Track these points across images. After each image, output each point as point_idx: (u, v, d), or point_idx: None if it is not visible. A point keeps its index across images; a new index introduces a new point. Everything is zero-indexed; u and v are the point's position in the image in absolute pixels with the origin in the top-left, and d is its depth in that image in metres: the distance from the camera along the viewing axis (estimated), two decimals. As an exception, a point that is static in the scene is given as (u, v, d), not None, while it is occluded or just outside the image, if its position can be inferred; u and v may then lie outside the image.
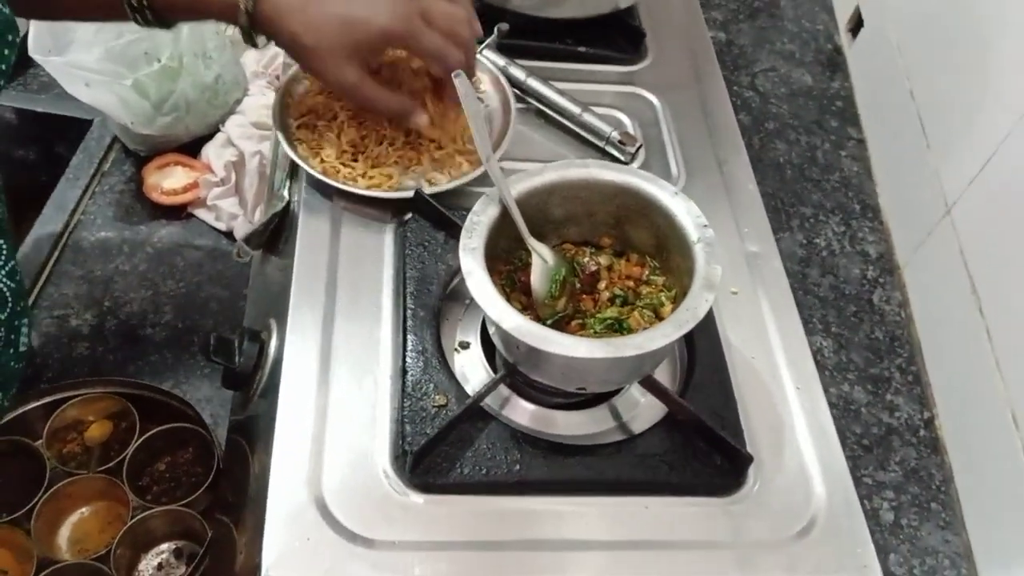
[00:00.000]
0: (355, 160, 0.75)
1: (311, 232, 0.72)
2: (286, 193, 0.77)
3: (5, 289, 0.67)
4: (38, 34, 0.84)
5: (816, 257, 1.03)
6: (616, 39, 0.92)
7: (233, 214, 0.92)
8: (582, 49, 0.90)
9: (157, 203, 0.93)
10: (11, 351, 0.70)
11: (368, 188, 0.72)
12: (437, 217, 0.72)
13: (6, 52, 0.61)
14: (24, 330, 0.72)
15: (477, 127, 0.65)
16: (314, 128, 0.77)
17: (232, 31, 1.11)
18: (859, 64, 1.25)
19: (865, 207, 1.09)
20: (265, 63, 1.05)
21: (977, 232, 0.89)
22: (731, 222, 0.80)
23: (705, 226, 0.62)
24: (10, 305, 0.68)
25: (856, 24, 1.28)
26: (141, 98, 0.89)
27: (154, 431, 0.72)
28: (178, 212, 0.94)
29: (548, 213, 0.67)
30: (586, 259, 0.68)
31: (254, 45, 0.69)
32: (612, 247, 0.69)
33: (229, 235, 0.93)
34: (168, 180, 0.94)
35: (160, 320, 0.86)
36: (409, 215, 0.73)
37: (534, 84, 0.83)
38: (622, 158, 0.80)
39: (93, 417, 0.75)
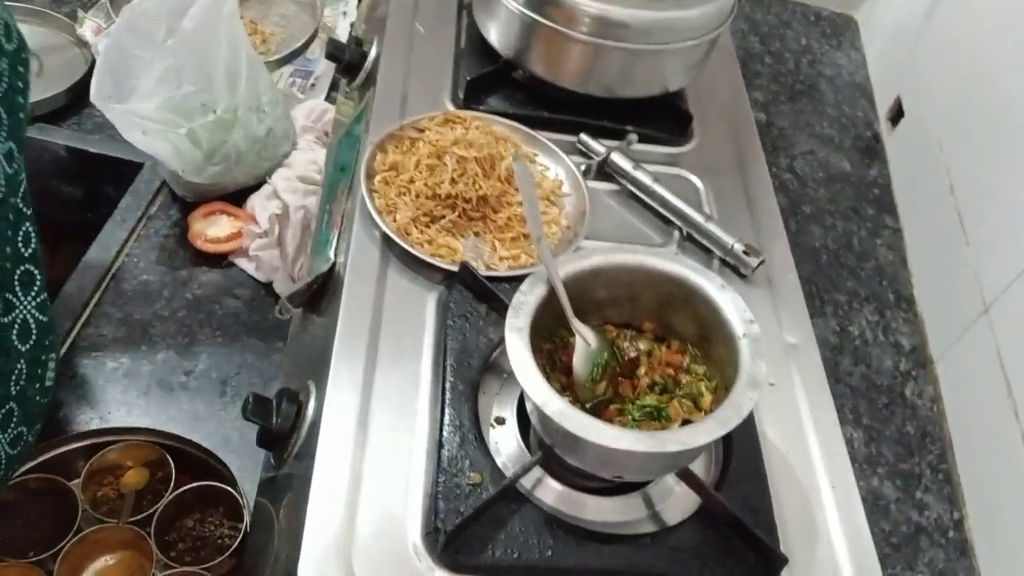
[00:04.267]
0: (427, 226, 0.76)
1: (356, 295, 0.72)
2: (332, 254, 0.78)
3: (32, 321, 0.68)
4: (100, 81, 0.86)
5: (849, 345, 1.03)
6: (663, 120, 0.93)
7: (274, 267, 0.93)
8: (629, 128, 0.91)
9: (200, 250, 0.94)
10: (37, 385, 0.71)
11: (432, 256, 0.74)
12: (481, 290, 0.72)
13: (22, 70, 0.62)
14: (51, 365, 0.73)
15: (530, 209, 0.66)
16: (392, 184, 0.78)
17: (287, 86, 1.14)
18: (898, 153, 1.26)
19: (900, 297, 1.09)
20: (314, 118, 1.07)
21: (1015, 335, 0.89)
22: (770, 311, 0.80)
23: (751, 321, 0.62)
24: (34, 338, 0.68)
25: (896, 113, 1.29)
26: (194, 147, 0.91)
27: (187, 488, 0.72)
28: (220, 260, 0.95)
29: (592, 294, 0.67)
30: (627, 344, 0.68)
31: None
32: (653, 332, 0.69)
33: (268, 286, 0.94)
34: (212, 228, 0.95)
35: (195, 368, 0.87)
36: (453, 283, 0.74)
37: (659, 190, 0.84)
38: (741, 271, 0.81)
39: (131, 463, 0.76)
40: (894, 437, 0.95)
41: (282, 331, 0.91)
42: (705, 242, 0.82)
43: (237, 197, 0.99)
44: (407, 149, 0.82)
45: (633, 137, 0.90)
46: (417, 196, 0.78)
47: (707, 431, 0.56)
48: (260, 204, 0.96)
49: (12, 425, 0.69)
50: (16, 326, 0.67)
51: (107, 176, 1.03)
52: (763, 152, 0.95)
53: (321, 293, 0.78)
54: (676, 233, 0.84)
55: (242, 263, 0.95)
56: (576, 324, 0.64)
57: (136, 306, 0.91)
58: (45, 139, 1.05)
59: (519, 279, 0.72)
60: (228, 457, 0.78)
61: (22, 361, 0.68)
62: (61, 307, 0.89)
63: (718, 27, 0.89)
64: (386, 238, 0.75)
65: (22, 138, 0.63)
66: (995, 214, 0.97)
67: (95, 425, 0.81)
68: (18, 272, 0.66)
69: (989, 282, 0.94)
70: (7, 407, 0.67)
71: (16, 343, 0.67)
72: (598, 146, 0.88)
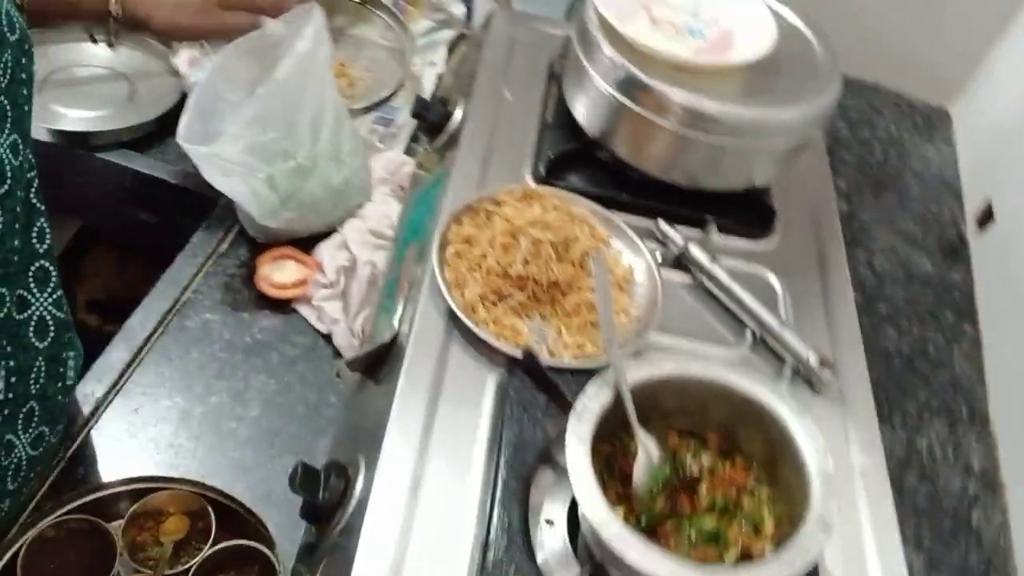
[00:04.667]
0: (495, 304, 0.75)
1: (416, 370, 0.71)
2: (396, 323, 0.77)
3: (49, 318, 0.68)
4: (189, 122, 0.87)
5: (916, 460, 0.98)
6: (745, 213, 0.90)
7: (335, 319, 0.93)
8: (709, 218, 0.89)
9: (264, 293, 0.94)
10: (58, 384, 0.71)
11: (496, 337, 0.72)
12: (542, 380, 0.70)
13: (25, 61, 0.62)
14: (71, 363, 0.73)
15: (604, 312, 0.65)
16: (464, 258, 0.77)
17: (368, 133, 1.14)
18: (984, 259, 1.21)
19: (973, 413, 1.04)
20: (392, 170, 1.06)
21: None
22: (840, 427, 0.77)
23: (825, 454, 0.59)
24: (52, 334, 0.68)
25: (985, 216, 1.24)
26: (271, 192, 0.91)
27: (225, 545, 0.71)
28: (282, 305, 0.95)
29: (659, 401, 0.65)
30: (690, 457, 0.65)
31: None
32: (719, 445, 0.67)
33: (327, 337, 0.93)
34: (279, 273, 0.95)
35: (246, 415, 0.86)
36: (515, 370, 0.72)
37: (735, 289, 0.82)
38: (813, 383, 0.78)
39: (173, 510, 0.75)
40: (957, 565, 0.90)
41: (336, 386, 0.91)
42: (778, 348, 0.79)
43: (307, 242, 0.98)
44: (482, 223, 0.81)
45: (713, 229, 0.87)
46: (488, 273, 0.77)
47: (770, 574, 0.53)
48: (329, 253, 0.96)
49: (33, 425, 0.69)
50: (32, 323, 0.67)
51: (183, 207, 1.04)
52: (845, 254, 0.92)
53: (381, 360, 0.77)
54: (749, 335, 0.81)
55: (304, 311, 0.95)
56: (641, 435, 0.62)
57: (196, 345, 0.91)
58: (126, 164, 1.07)
59: (582, 372, 0.71)
60: (269, 511, 0.76)
61: (40, 359, 0.68)
62: (124, 339, 0.90)
63: (813, 128, 0.87)
64: (452, 313, 0.74)
65: (27, 131, 0.63)
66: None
67: (142, 465, 0.81)
68: (32, 268, 0.67)
69: (1075, 416, 0.90)
70: (28, 406, 0.67)
71: (33, 340, 0.67)
72: (676, 235, 0.86)
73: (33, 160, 0.64)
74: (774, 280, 0.87)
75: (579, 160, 0.91)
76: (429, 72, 1.25)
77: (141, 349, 0.89)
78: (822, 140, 1.02)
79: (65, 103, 1.08)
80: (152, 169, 1.06)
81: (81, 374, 0.81)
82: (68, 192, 1.14)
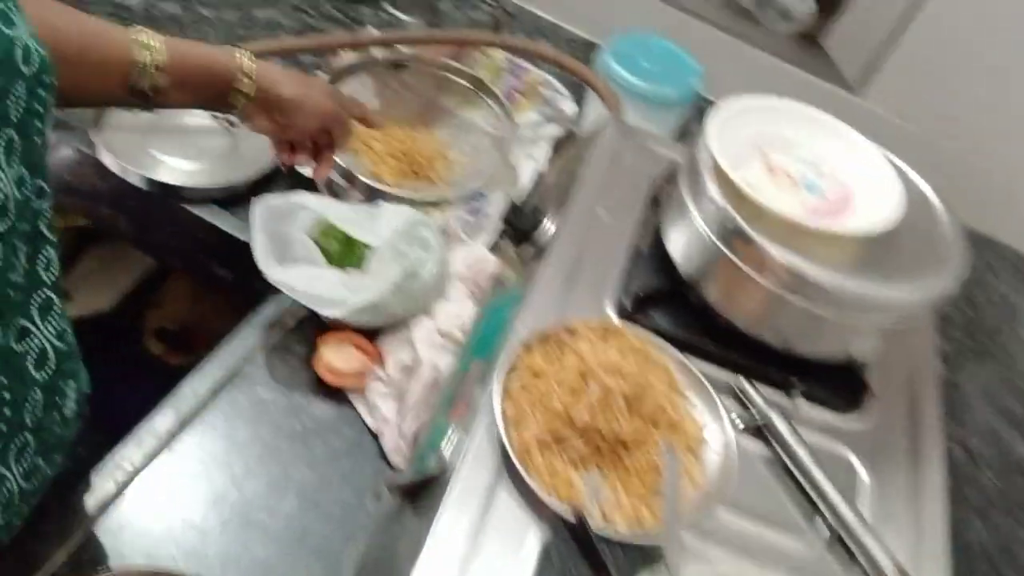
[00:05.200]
0: (550, 449, 0.70)
1: (457, 509, 0.67)
2: (446, 451, 0.73)
3: (49, 349, 0.65)
4: (265, 252, 0.88)
5: None
6: (834, 383, 0.84)
7: (386, 418, 0.89)
8: (794, 381, 0.82)
9: (320, 377, 0.91)
10: (56, 415, 0.68)
11: (549, 490, 0.67)
12: (590, 552, 0.65)
13: (43, 93, 0.60)
14: (71, 394, 0.70)
15: (669, 507, 0.59)
16: (528, 391, 0.73)
17: (454, 221, 1.12)
18: (1092, 461, 1.10)
19: (1057, 636, 0.94)
20: (473, 266, 1.03)
21: None
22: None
23: None
24: (53, 365, 0.65)
25: (1100, 412, 1.14)
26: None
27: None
28: (336, 392, 0.92)
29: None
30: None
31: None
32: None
33: (375, 435, 0.90)
34: (340, 359, 0.92)
35: (280, 508, 0.83)
36: (562, 533, 0.67)
37: (816, 474, 0.75)
38: None
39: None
40: None
41: (375, 488, 0.87)
42: (856, 552, 0.72)
43: (373, 329, 0.96)
44: (554, 355, 0.77)
45: (798, 395, 0.81)
46: (551, 414, 0.72)
47: None
48: (393, 349, 0.93)
49: (27, 457, 0.66)
50: (32, 353, 0.64)
51: (258, 271, 1.03)
52: (944, 449, 0.84)
53: (426, 487, 0.73)
54: (824, 528, 0.74)
55: (357, 403, 0.92)
56: (686, 650, 0.56)
57: (243, 422, 0.88)
58: (212, 221, 1.06)
59: (635, 548, 0.66)
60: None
61: (37, 389, 0.65)
62: (173, 405, 0.88)
63: (925, 311, 0.80)
64: (505, 453, 0.70)
65: (39, 163, 0.61)
66: None
67: (164, 547, 0.78)
68: (36, 298, 0.64)
69: None
70: (21, 437, 0.64)
71: (31, 370, 0.64)
72: (759, 399, 0.80)
73: (47, 189, 0.62)
74: (859, 465, 0.79)
75: (667, 300, 0.86)
76: (528, 166, 1.22)
77: (187, 419, 0.87)
78: (932, 318, 0.94)
79: (165, 150, 1.09)
80: (234, 229, 1.05)
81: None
82: (155, 237, 1.15)
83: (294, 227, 0.93)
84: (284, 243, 0.92)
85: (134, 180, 1.07)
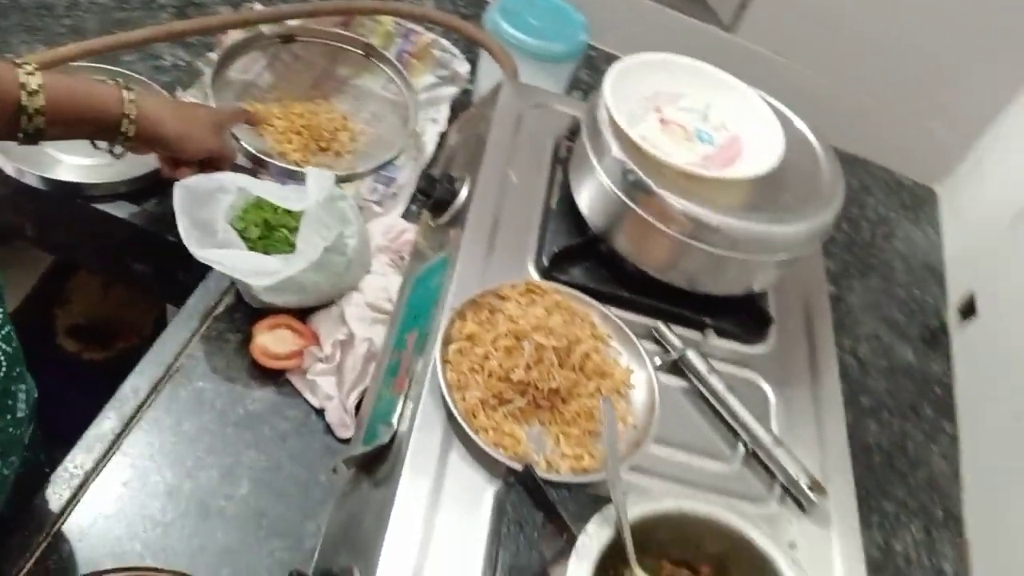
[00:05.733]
0: (495, 409, 0.75)
1: (415, 476, 0.72)
2: (395, 421, 0.77)
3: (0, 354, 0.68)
4: (188, 229, 0.88)
5: (891, 564, 1.00)
6: (742, 318, 0.92)
7: (329, 395, 0.92)
8: (707, 321, 0.90)
9: (258, 363, 0.94)
10: (8, 416, 0.70)
11: (496, 446, 0.73)
12: (540, 498, 0.71)
13: None
14: (22, 396, 0.73)
15: (611, 452, 0.65)
16: (466, 356, 0.78)
17: (368, 192, 1.14)
18: (965, 354, 1.24)
19: (948, 515, 1.07)
20: (392, 237, 1.06)
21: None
22: (826, 548, 0.78)
23: (816, 606, 0.61)
24: (4, 369, 0.68)
25: (968, 308, 1.27)
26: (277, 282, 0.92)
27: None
28: (276, 375, 0.95)
29: (656, 533, 0.66)
30: (682, 590, 0.66)
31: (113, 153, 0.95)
32: (709, 577, 0.68)
33: (320, 412, 0.93)
34: (275, 343, 0.94)
35: (235, 493, 0.86)
36: (513, 484, 0.72)
37: (730, 400, 0.83)
38: (802, 504, 0.79)
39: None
40: (925, 674, 0.93)
41: (325, 463, 0.91)
42: (771, 466, 0.80)
43: (304, 309, 0.98)
44: (486, 320, 0.81)
45: (711, 334, 0.89)
46: (490, 375, 0.77)
47: None
48: (326, 328, 0.96)
49: None
50: None
51: (178, 262, 1.03)
52: (837, 364, 0.93)
53: (379, 459, 0.77)
54: (742, 448, 0.82)
55: (297, 382, 0.95)
56: (638, 573, 0.63)
57: (188, 415, 0.90)
58: (122, 216, 1.06)
59: (580, 486, 0.72)
60: (255, 600, 0.76)
61: None
62: (117, 407, 0.89)
63: (815, 243, 0.88)
64: (452, 416, 0.75)
65: None
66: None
67: (130, 545, 0.81)
68: None
69: (1046, 533, 0.92)
70: None
71: None
72: (675, 340, 0.87)
73: None
74: (767, 388, 0.88)
75: (582, 253, 0.92)
76: (431, 129, 1.25)
77: (132, 418, 0.88)
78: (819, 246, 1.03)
79: (63, 148, 1.07)
80: (148, 223, 1.05)
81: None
82: (62, 237, 1.13)
83: (214, 212, 0.94)
84: (205, 229, 0.92)
85: (32, 181, 1.04)
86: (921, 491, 1.08)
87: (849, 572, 0.76)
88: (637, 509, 0.64)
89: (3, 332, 0.69)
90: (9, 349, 0.69)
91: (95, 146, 0.96)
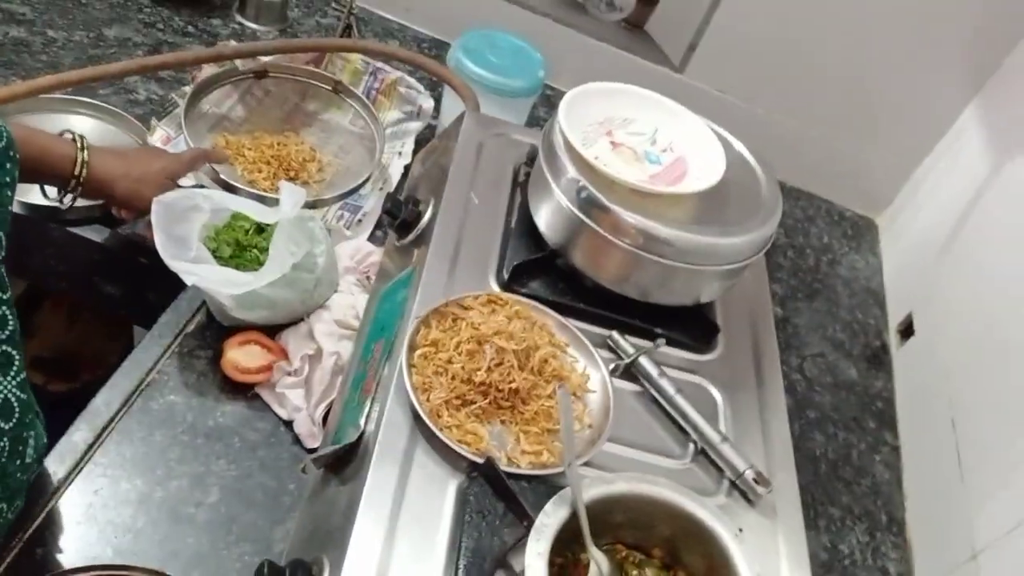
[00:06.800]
0: (458, 409, 0.79)
1: (382, 473, 0.75)
2: (362, 422, 0.81)
3: (14, 400, 0.71)
4: (164, 242, 0.92)
5: (838, 565, 1.05)
6: (691, 328, 0.97)
7: (297, 407, 0.96)
8: (659, 331, 0.95)
9: (228, 377, 0.97)
10: (17, 462, 0.73)
11: (458, 443, 0.76)
12: (501, 488, 0.75)
13: (8, 166, 0.69)
14: (31, 442, 0.75)
15: (567, 438, 0.70)
16: (430, 361, 0.82)
17: (335, 220, 1.18)
18: (904, 371, 1.30)
19: (892, 520, 1.12)
20: (359, 259, 1.11)
21: (1002, 593, 0.91)
22: (771, 539, 0.82)
23: (759, 578, 0.65)
24: (17, 416, 0.71)
25: (907, 328, 1.34)
26: (249, 298, 0.95)
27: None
28: (246, 389, 0.98)
29: (610, 516, 0.70)
30: (634, 571, 0.70)
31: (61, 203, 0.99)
32: (662, 559, 0.72)
33: (288, 424, 0.96)
34: (245, 358, 0.98)
35: (205, 500, 0.88)
36: (475, 477, 0.76)
37: (680, 402, 0.88)
38: (748, 497, 0.83)
39: (127, 596, 0.77)
40: (871, 670, 0.97)
41: (294, 474, 0.93)
42: (719, 462, 0.85)
43: (272, 326, 1.02)
44: (449, 327, 0.86)
45: (661, 342, 0.94)
46: (453, 378, 0.82)
47: None
48: (294, 343, 1.00)
49: None
50: None
51: (150, 283, 1.07)
52: (780, 371, 0.99)
53: (347, 458, 0.81)
54: (692, 447, 0.87)
55: (266, 395, 0.98)
56: (593, 552, 0.67)
57: (159, 427, 0.93)
58: (94, 239, 1.09)
59: (539, 479, 0.76)
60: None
61: (4, 439, 0.70)
62: (88, 420, 0.91)
63: (757, 253, 0.94)
64: (417, 417, 0.78)
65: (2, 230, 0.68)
66: (994, 462, 1.01)
67: (101, 549, 0.82)
68: None
69: (981, 529, 0.97)
70: None
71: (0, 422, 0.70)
72: (628, 346, 0.92)
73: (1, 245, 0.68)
74: (715, 392, 0.93)
75: (541, 268, 0.97)
76: (397, 162, 1.30)
77: (104, 430, 0.90)
78: (763, 258, 1.10)
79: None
80: (119, 247, 1.08)
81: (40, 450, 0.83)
82: (35, 261, 1.15)
83: (189, 231, 0.98)
84: (180, 245, 0.96)
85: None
86: (865, 497, 1.13)
87: (793, 557, 0.81)
88: (593, 491, 0.68)
89: (18, 379, 0.72)
90: (24, 396, 0.72)
91: (44, 192, 1.02)
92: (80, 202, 1.01)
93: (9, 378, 0.71)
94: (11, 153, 0.69)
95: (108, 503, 0.86)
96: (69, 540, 0.83)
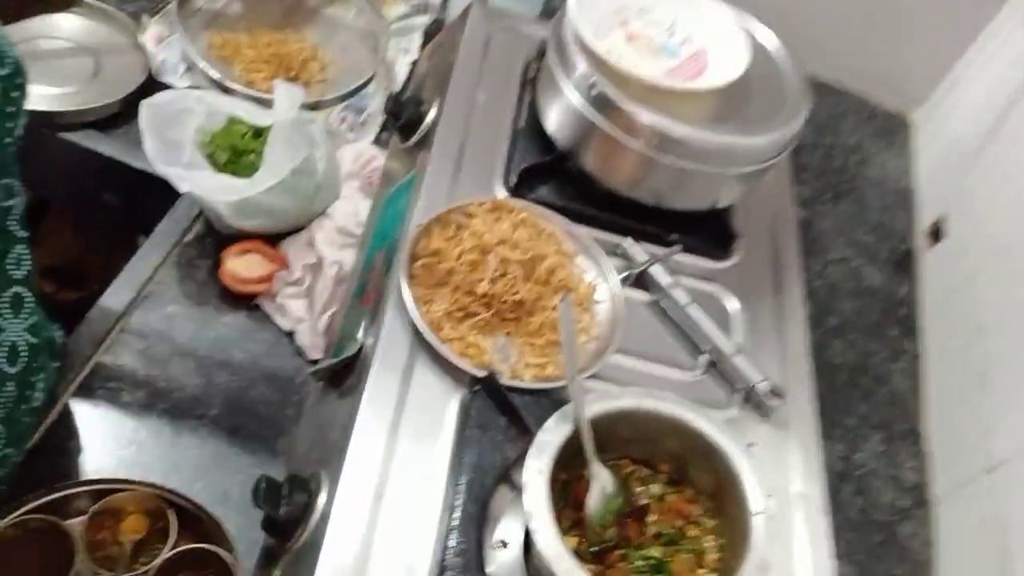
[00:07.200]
0: (460, 321, 0.76)
1: (380, 386, 0.73)
2: (361, 336, 0.78)
3: (23, 344, 0.69)
4: (156, 146, 0.87)
5: (852, 474, 1.03)
6: (708, 234, 0.93)
7: (299, 317, 0.93)
8: (673, 237, 0.91)
9: (228, 287, 0.94)
10: (23, 406, 0.72)
11: (460, 356, 0.74)
12: (503, 403, 0.73)
13: (15, 95, 0.64)
14: (40, 385, 0.74)
15: (569, 352, 0.66)
16: (431, 272, 0.78)
17: (337, 121, 1.13)
18: (932, 276, 1.25)
19: (909, 430, 1.09)
20: (362, 163, 1.06)
21: (1018, 503, 0.88)
22: (783, 452, 0.80)
23: (768, 496, 0.63)
24: (25, 360, 0.69)
25: (936, 232, 1.28)
26: (246, 205, 0.92)
27: (185, 548, 0.73)
28: (247, 300, 0.95)
29: (615, 432, 0.68)
30: (640, 487, 0.68)
31: None
32: (669, 474, 0.70)
33: (290, 335, 0.94)
34: (245, 267, 0.95)
35: (208, 413, 0.87)
36: (477, 391, 0.74)
37: (693, 311, 0.84)
38: (761, 409, 0.80)
39: (132, 509, 0.76)
40: (883, 578, 0.96)
41: (296, 385, 0.92)
42: (731, 374, 0.82)
43: (273, 235, 0.98)
44: (452, 236, 0.82)
45: (676, 249, 0.90)
46: (455, 290, 0.78)
47: (710, 614, 0.57)
48: (295, 251, 0.96)
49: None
50: (4, 349, 0.67)
51: (148, 190, 1.03)
52: (801, 279, 0.94)
53: (346, 371, 0.79)
54: (703, 359, 0.84)
55: (268, 308, 0.95)
56: (596, 468, 0.64)
57: (158, 339, 0.91)
58: (90, 146, 1.05)
59: (543, 392, 0.74)
60: (228, 512, 0.78)
61: (11, 383, 0.69)
62: (85, 331, 0.89)
63: (779, 154, 0.89)
64: (417, 329, 0.76)
65: (8, 165, 0.64)
66: (1017, 373, 0.97)
67: (104, 461, 0.82)
68: (7, 295, 0.67)
69: (1000, 441, 0.94)
70: None
71: (5, 366, 0.68)
72: (640, 254, 0.88)
73: (16, 187, 0.64)
74: (731, 301, 0.89)
75: (549, 172, 0.92)
76: (402, 59, 1.24)
77: (102, 342, 0.89)
78: (787, 159, 1.04)
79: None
80: (117, 152, 1.04)
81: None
82: (30, 169, 1.12)
83: (182, 134, 0.93)
84: (173, 150, 0.92)
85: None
86: (883, 406, 1.10)
87: (806, 472, 0.79)
88: (597, 407, 0.65)
89: (29, 322, 0.69)
90: (35, 340, 0.70)
91: None
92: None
93: (19, 320, 0.69)
94: (17, 81, 0.64)
95: (110, 416, 0.85)
96: (71, 453, 0.82)
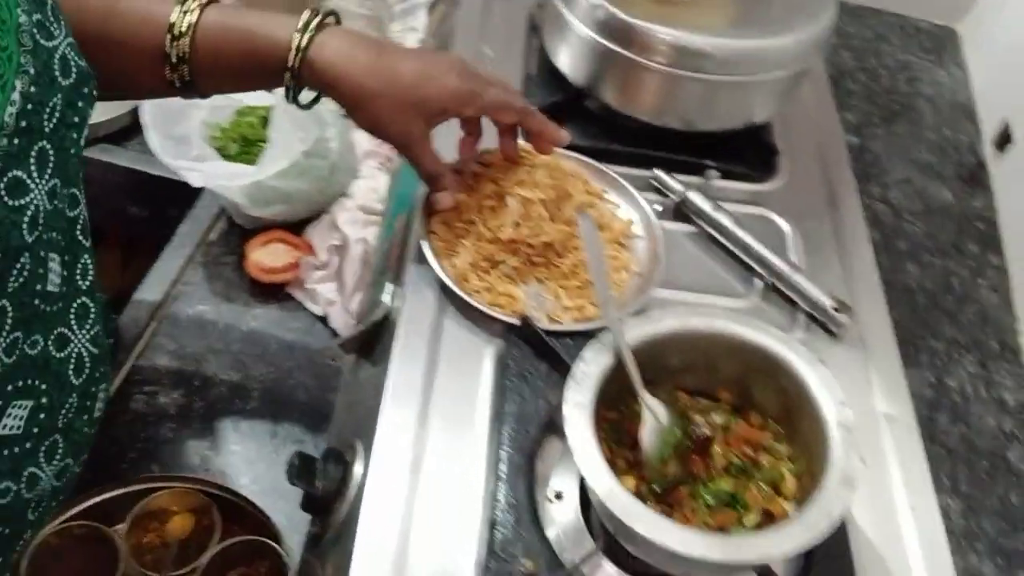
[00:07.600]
0: (487, 272, 0.71)
1: (409, 347, 0.68)
2: (387, 299, 0.74)
3: (86, 355, 0.66)
4: (163, 142, 0.85)
5: (946, 401, 0.94)
6: (746, 154, 0.86)
7: (330, 300, 0.90)
8: (709, 163, 0.84)
9: (256, 280, 0.91)
10: (84, 417, 0.69)
11: (490, 306, 0.69)
12: (542, 347, 0.67)
13: (80, 104, 0.59)
14: (101, 395, 0.71)
15: (596, 270, 0.61)
16: (451, 227, 0.74)
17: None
18: (1006, 184, 1.15)
19: (1004, 347, 1.00)
20: (378, 141, 1.03)
21: None
22: (862, 374, 0.73)
23: (844, 404, 0.56)
24: (88, 371, 0.66)
25: (1004, 138, 1.19)
26: (261, 192, 0.89)
27: (232, 542, 0.69)
28: (276, 290, 0.92)
29: (664, 360, 0.62)
30: (701, 418, 0.62)
31: (297, 103, 0.69)
32: (731, 402, 0.63)
33: (323, 320, 0.91)
34: (270, 257, 0.92)
35: (246, 407, 0.84)
36: (512, 339, 0.68)
37: (741, 235, 0.77)
38: (830, 328, 0.73)
39: (177, 508, 0.73)
40: (995, 509, 0.86)
41: (333, 368, 0.88)
42: (791, 295, 0.75)
43: (296, 224, 0.95)
44: (469, 186, 0.77)
45: (714, 174, 0.83)
46: (478, 239, 0.73)
47: (792, 539, 0.50)
48: (319, 235, 0.93)
49: (58, 457, 0.67)
50: (72, 360, 0.64)
51: (169, 197, 1.02)
52: (857, 189, 0.87)
53: (375, 339, 0.74)
54: (759, 283, 0.77)
55: (298, 294, 0.92)
56: (646, 398, 0.58)
57: (190, 338, 0.88)
58: (109, 160, 1.04)
59: (584, 334, 0.68)
60: (277, 504, 0.74)
61: (75, 395, 0.66)
62: (117, 338, 0.87)
63: (810, 55, 0.81)
64: (443, 285, 0.71)
65: (72, 175, 0.60)
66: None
67: (144, 465, 0.79)
68: (74, 306, 0.64)
69: (1111, 340, 0.85)
70: (51, 439, 0.65)
71: (72, 377, 0.65)
72: (675, 184, 0.82)
73: (80, 197, 0.61)
74: (782, 223, 0.82)
75: (567, 112, 0.86)
76: (411, 38, 1.20)
77: (133, 348, 0.86)
78: (823, 68, 0.97)
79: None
80: (131, 162, 1.03)
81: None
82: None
83: (188, 129, 0.91)
84: (181, 144, 0.89)
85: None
86: (972, 326, 1.01)
87: (891, 392, 0.71)
88: (636, 331, 0.59)
89: (92, 332, 0.66)
90: (96, 350, 0.67)
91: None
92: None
93: (84, 331, 0.66)
94: (84, 90, 0.58)
95: (148, 419, 0.83)
96: (111, 458, 0.80)
